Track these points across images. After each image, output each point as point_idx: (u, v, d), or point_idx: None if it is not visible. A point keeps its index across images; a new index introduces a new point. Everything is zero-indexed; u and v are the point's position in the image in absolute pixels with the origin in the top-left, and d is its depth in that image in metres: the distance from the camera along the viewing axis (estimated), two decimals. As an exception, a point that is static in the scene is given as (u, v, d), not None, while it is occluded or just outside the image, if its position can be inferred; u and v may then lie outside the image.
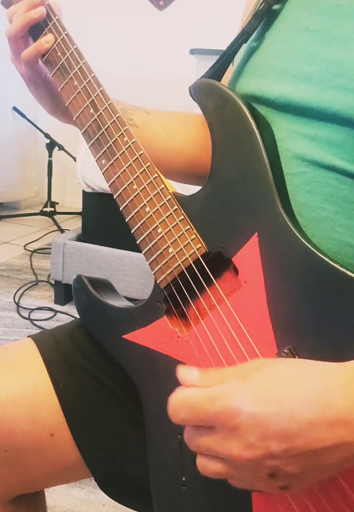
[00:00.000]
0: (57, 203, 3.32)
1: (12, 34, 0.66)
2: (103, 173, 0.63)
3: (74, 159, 2.96)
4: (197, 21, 3.14)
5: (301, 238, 0.50)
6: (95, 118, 0.62)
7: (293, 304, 0.50)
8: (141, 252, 0.60)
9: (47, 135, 3.18)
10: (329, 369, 0.42)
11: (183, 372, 0.45)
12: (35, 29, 0.66)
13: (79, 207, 2.37)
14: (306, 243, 0.50)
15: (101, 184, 2.01)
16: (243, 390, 0.41)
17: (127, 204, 0.60)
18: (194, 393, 0.43)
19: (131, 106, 0.73)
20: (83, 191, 2.12)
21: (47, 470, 0.64)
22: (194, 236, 0.56)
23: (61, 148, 3.20)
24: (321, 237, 0.53)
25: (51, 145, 3.19)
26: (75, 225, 2.98)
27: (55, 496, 1.25)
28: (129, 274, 1.99)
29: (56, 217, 3.21)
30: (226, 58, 0.65)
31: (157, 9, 3.30)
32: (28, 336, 0.69)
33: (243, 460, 0.41)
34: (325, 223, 0.53)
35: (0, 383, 0.62)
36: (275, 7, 0.61)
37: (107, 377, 0.65)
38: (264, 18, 0.61)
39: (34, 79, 0.69)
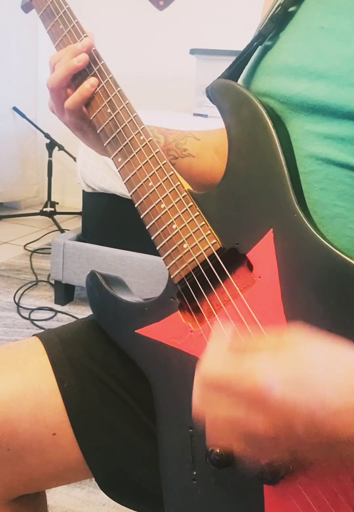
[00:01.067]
0: (57, 203, 3.31)
1: (55, 85, 0.64)
2: (119, 171, 0.63)
3: (74, 159, 2.96)
4: (197, 21, 3.14)
5: (316, 234, 0.51)
6: (113, 117, 0.63)
7: (308, 299, 0.50)
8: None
9: (47, 135, 3.18)
10: None
11: (217, 334, 0.44)
12: (78, 75, 0.65)
13: (79, 207, 2.37)
14: (321, 239, 0.51)
15: (101, 184, 2.01)
16: (274, 368, 0.40)
17: (142, 200, 0.61)
18: (223, 369, 0.41)
19: (179, 133, 0.73)
20: (83, 191, 2.12)
21: (49, 470, 0.64)
22: (209, 232, 0.57)
23: (61, 148, 3.20)
24: (334, 234, 0.53)
25: (51, 145, 3.19)
26: (75, 225, 2.98)
27: (55, 496, 1.25)
28: (129, 274, 1.99)
29: (56, 217, 3.20)
30: (242, 59, 0.65)
31: (157, 9, 3.30)
32: (33, 335, 0.69)
33: (267, 437, 0.40)
34: (338, 220, 0.54)
35: (3, 382, 0.62)
36: (291, 9, 0.61)
37: (111, 377, 0.65)
38: (281, 22, 0.61)
39: (80, 126, 0.67)
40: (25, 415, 0.61)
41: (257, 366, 0.40)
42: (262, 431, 0.40)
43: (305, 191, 0.55)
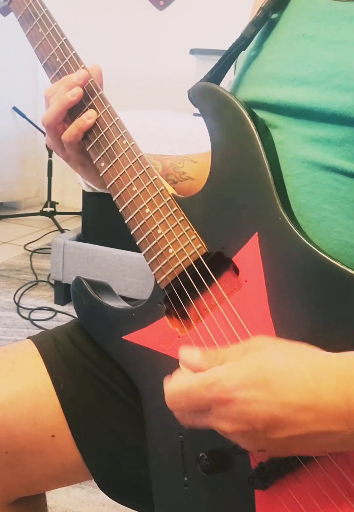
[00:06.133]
0: (57, 203, 3.31)
1: (50, 122, 0.62)
2: (102, 176, 0.63)
3: (74, 159, 2.96)
4: (197, 21, 3.14)
5: (301, 237, 0.51)
6: (95, 122, 0.62)
7: (294, 302, 0.50)
8: (141, 252, 0.61)
9: (47, 135, 3.18)
10: (323, 360, 0.44)
11: (185, 354, 0.48)
12: (74, 107, 0.62)
13: (79, 207, 2.37)
14: (306, 242, 0.50)
15: (101, 184, 2.01)
16: (237, 374, 0.44)
17: (126, 205, 0.61)
18: (190, 382, 0.46)
19: (176, 157, 0.73)
20: (83, 191, 2.12)
21: (48, 471, 0.64)
22: (194, 236, 0.57)
23: (61, 148, 3.19)
24: (321, 237, 0.53)
25: (51, 145, 3.19)
26: (75, 225, 2.98)
27: (55, 496, 1.25)
28: (129, 274, 1.99)
29: (56, 217, 3.20)
30: (225, 62, 0.65)
31: (157, 9, 3.30)
32: (27, 338, 0.69)
33: (235, 437, 0.45)
34: (325, 223, 0.53)
35: (0, 384, 0.62)
36: (273, 16, 0.62)
37: (107, 376, 0.65)
38: (262, 26, 0.62)
39: (81, 160, 0.66)
40: (23, 418, 0.61)
41: (222, 378, 0.44)
42: (229, 432, 0.44)
43: (292, 194, 0.55)
